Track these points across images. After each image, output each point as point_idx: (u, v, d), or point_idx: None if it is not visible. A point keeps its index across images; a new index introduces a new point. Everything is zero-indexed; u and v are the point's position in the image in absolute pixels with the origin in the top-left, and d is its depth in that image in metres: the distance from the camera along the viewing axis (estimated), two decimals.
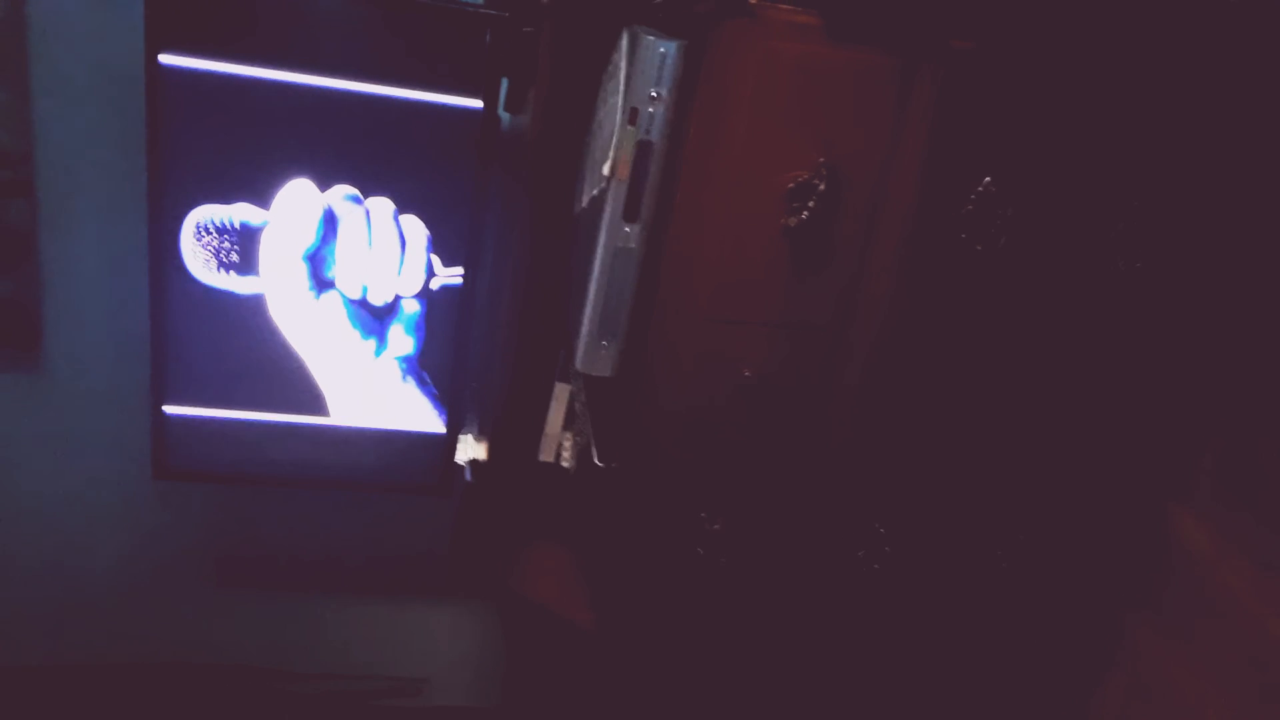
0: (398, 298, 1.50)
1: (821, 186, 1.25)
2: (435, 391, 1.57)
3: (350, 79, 1.36)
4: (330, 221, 1.44)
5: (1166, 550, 1.55)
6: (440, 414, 1.59)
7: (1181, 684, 1.50)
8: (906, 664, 1.57)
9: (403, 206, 1.45)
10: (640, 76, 1.22)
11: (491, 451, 1.61)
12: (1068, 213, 1.32)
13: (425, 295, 1.51)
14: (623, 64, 1.23)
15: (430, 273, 1.50)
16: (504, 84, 1.48)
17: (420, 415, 1.59)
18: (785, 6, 1.20)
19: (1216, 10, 1.30)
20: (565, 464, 1.57)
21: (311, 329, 1.49)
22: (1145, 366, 1.43)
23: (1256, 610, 1.41)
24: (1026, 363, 1.40)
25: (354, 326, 1.50)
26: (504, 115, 1.54)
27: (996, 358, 1.39)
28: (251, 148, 1.38)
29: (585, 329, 1.33)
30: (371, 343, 1.52)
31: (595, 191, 1.30)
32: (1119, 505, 1.52)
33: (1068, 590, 1.55)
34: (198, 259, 1.43)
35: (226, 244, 1.42)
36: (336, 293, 1.48)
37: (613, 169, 1.25)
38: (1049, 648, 1.61)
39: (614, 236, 1.29)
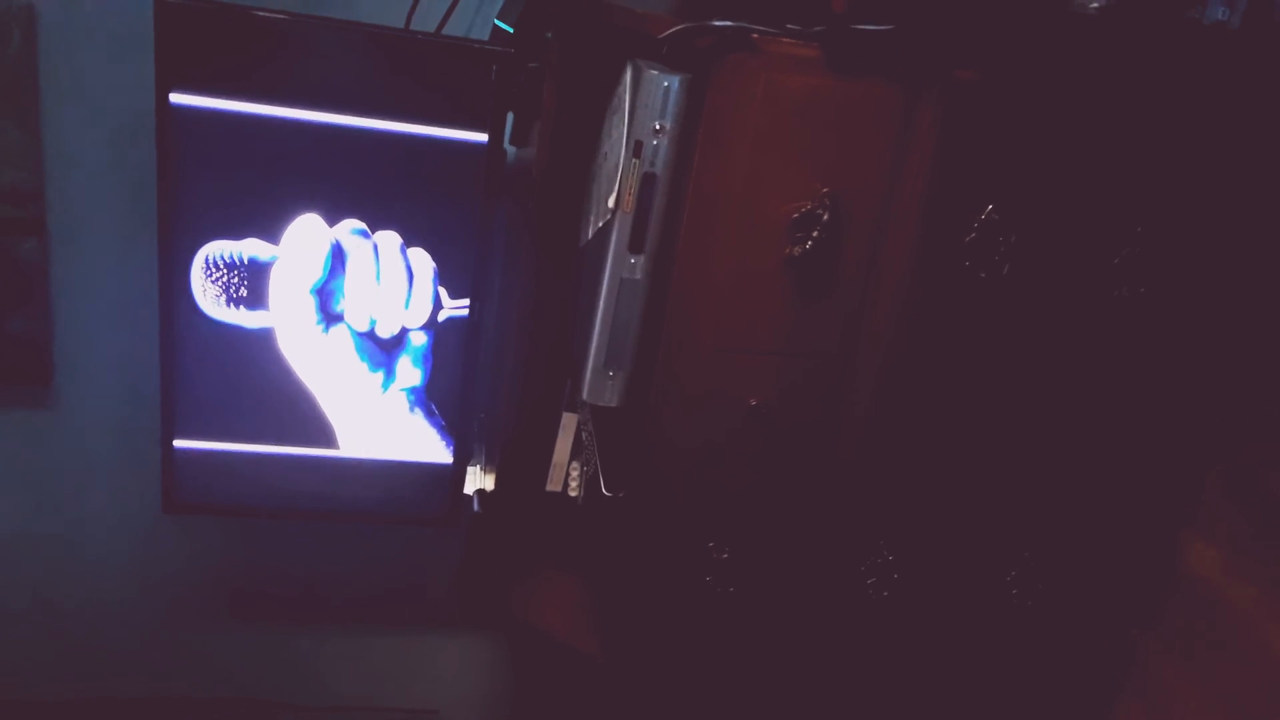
0: (405, 330, 1.51)
1: (825, 216, 1.26)
2: (443, 422, 1.58)
3: (358, 115, 1.38)
4: (338, 256, 1.45)
5: (1176, 572, 1.55)
6: (448, 445, 1.60)
7: (1193, 707, 1.49)
8: (917, 690, 1.56)
9: (410, 240, 1.47)
10: (644, 110, 1.24)
11: (499, 481, 1.61)
12: (1071, 239, 1.33)
13: (432, 327, 1.52)
14: (627, 98, 1.25)
15: (437, 305, 1.51)
16: (509, 118, 1.50)
17: (428, 446, 1.59)
18: (786, 40, 1.22)
19: (1216, 38, 1.32)
20: (573, 494, 1.57)
21: (320, 362, 1.50)
22: (1151, 390, 1.43)
23: (1267, 632, 1.40)
24: (1032, 389, 1.40)
25: (362, 359, 1.51)
26: (509, 149, 1.56)
27: (1002, 384, 1.39)
28: (260, 184, 1.40)
29: (591, 359, 1.34)
30: (379, 375, 1.53)
31: (600, 223, 1.31)
32: (1127, 528, 1.52)
33: (1078, 614, 1.55)
34: (207, 294, 1.44)
35: (236, 279, 1.44)
36: (345, 326, 1.49)
37: (617, 201, 1.27)
38: (1060, 671, 1.60)
39: (619, 267, 1.30)
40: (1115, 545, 1.52)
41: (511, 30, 1.51)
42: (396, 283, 1.48)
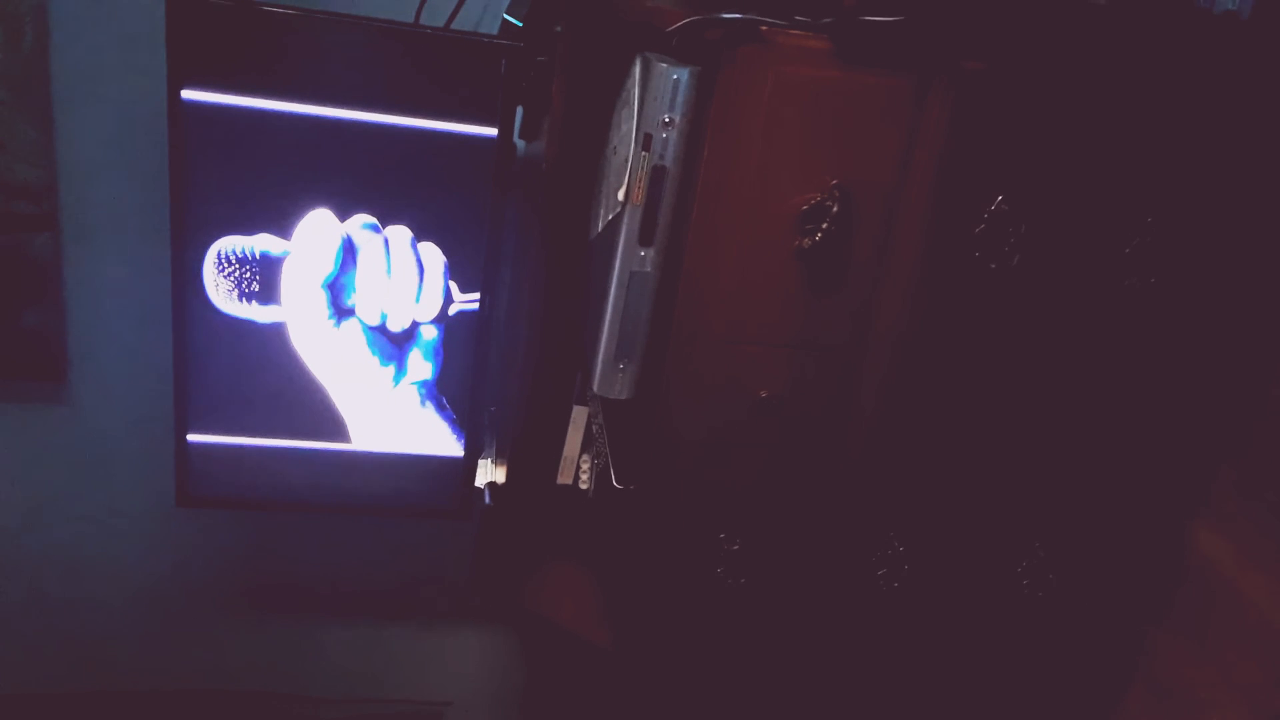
0: (416, 324, 1.52)
1: (834, 208, 1.26)
2: (454, 416, 1.59)
3: (368, 110, 1.39)
4: (349, 250, 1.46)
5: (1187, 563, 1.54)
6: (459, 438, 1.60)
7: (1205, 698, 1.49)
8: (929, 681, 1.57)
9: (420, 234, 1.47)
10: (653, 102, 1.24)
11: (510, 474, 1.62)
12: (1081, 230, 1.33)
13: (443, 321, 1.53)
14: (636, 91, 1.25)
15: (448, 299, 1.51)
16: (519, 112, 1.50)
17: (439, 440, 1.60)
18: (796, 32, 1.22)
19: (1226, 27, 1.31)
20: (583, 486, 1.58)
21: (332, 356, 1.51)
22: (1162, 380, 1.43)
23: (1278, 622, 1.40)
24: (1042, 379, 1.40)
25: (373, 353, 1.52)
26: (519, 143, 1.57)
27: (1012, 374, 1.39)
28: (272, 179, 1.41)
29: (602, 352, 1.34)
30: (391, 369, 1.54)
31: (610, 216, 1.32)
32: (1139, 519, 1.52)
33: (1089, 606, 1.55)
34: (220, 289, 1.45)
35: (248, 274, 1.44)
36: (356, 320, 1.50)
37: (627, 194, 1.27)
38: (1070, 664, 1.60)
39: (629, 260, 1.30)
40: (1127, 536, 1.52)
41: (520, 24, 1.51)
42: (407, 277, 1.48)
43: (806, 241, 1.28)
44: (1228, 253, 1.38)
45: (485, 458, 1.67)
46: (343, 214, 1.44)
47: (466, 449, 1.61)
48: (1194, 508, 1.53)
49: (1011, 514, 1.47)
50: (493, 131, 1.43)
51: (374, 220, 1.45)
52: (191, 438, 1.53)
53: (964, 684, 1.58)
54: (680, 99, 1.24)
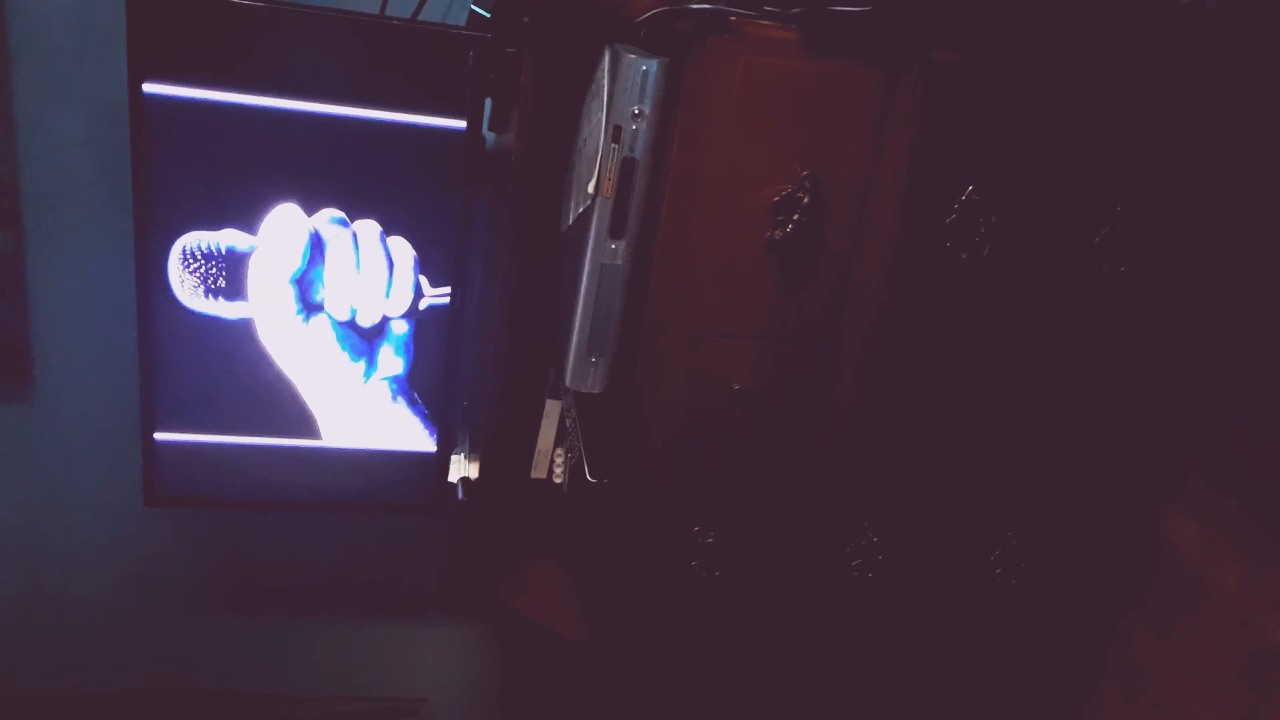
0: (386, 319, 1.51)
1: (805, 199, 1.26)
2: (426, 411, 1.58)
3: (335, 103, 1.37)
4: (317, 245, 1.44)
5: (1159, 551, 1.56)
6: (431, 433, 1.59)
7: (1176, 685, 1.51)
8: (902, 670, 1.57)
9: (389, 228, 1.46)
10: (622, 94, 1.23)
11: (483, 469, 1.61)
12: (1051, 219, 1.33)
13: (413, 316, 1.51)
14: (605, 82, 1.24)
15: (418, 293, 1.50)
16: (487, 104, 1.49)
17: (411, 435, 1.59)
18: (765, 22, 1.21)
19: (1197, 18, 1.32)
20: (557, 480, 1.57)
21: (301, 352, 1.50)
22: (1133, 369, 1.44)
23: (1249, 610, 1.41)
24: (1015, 369, 1.41)
25: (343, 349, 1.51)
26: (488, 135, 1.55)
27: (985, 365, 1.39)
28: (237, 174, 1.39)
29: (574, 345, 1.34)
30: (361, 364, 1.52)
31: (581, 209, 1.31)
32: (1110, 507, 1.53)
33: (1061, 594, 1.56)
34: (185, 285, 1.43)
35: (214, 270, 1.43)
36: (325, 316, 1.49)
37: (597, 186, 1.26)
38: (1043, 652, 1.61)
39: (600, 253, 1.30)
40: (1098, 525, 1.53)
41: (488, 15, 1.50)
42: (376, 271, 1.47)
43: (778, 233, 1.28)
44: (1198, 241, 1.38)
45: (458, 453, 1.66)
46: (310, 208, 1.43)
47: (439, 444, 1.60)
48: (1166, 496, 1.55)
49: (984, 503, 1.48)
50: (461, 124, 1.41)
51: (342, 214, 1.44)
52: (159, 436, 1.51)
53: (938, 673, 1.58)
54: (649, 90, 1.23)
